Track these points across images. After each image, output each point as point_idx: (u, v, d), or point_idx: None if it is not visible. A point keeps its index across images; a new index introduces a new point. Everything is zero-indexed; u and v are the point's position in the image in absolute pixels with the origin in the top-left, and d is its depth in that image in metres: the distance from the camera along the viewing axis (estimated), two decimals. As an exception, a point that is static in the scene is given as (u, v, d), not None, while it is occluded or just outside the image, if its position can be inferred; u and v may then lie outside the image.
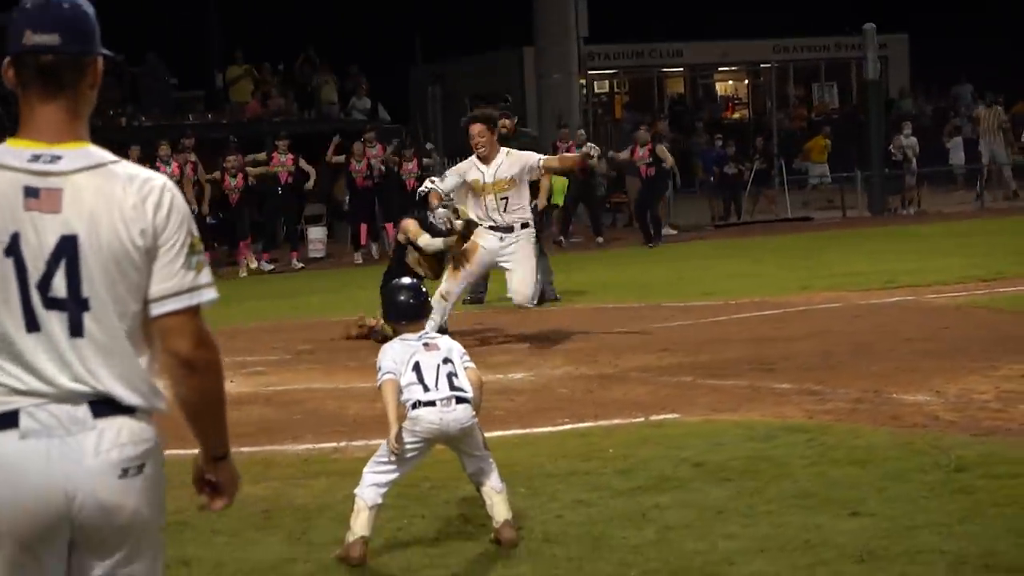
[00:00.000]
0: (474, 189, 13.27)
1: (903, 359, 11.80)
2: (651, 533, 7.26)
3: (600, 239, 28.13)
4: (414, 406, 7.12)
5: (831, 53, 50.01)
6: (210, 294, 3.74)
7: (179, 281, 3.68)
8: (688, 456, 8.73)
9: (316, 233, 29.22)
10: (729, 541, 7.06)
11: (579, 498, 7.96)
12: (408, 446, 7.12)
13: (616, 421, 9.94)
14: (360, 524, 7.08)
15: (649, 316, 15.67)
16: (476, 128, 13.26)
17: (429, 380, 7.13)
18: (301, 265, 26.64)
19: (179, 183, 25.28)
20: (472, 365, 7.36)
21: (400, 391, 7.10)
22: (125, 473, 3.60)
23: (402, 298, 7.51)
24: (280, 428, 10.28)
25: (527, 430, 9.75)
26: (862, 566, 6.59)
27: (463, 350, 7.40)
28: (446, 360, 7.23)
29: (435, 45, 45.88)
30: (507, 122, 15.76)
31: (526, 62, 43.98)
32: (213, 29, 39.82)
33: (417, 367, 7.17)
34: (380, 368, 7.20)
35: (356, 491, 7.17)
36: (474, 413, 7.22)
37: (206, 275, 3.74)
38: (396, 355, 7.21)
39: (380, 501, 7.15)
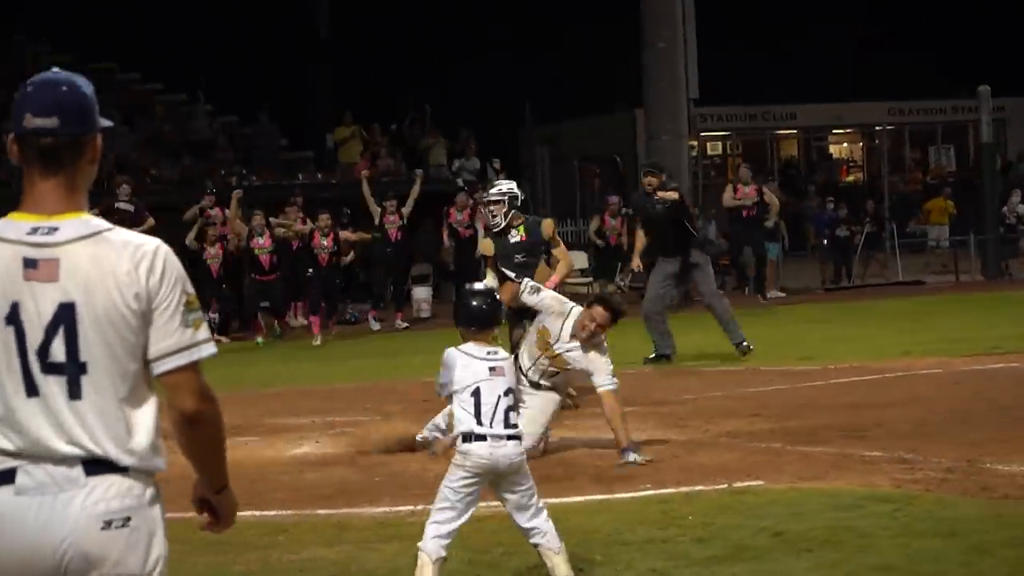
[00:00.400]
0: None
1: (1000, 427, 11.49)
2: (725, 606, 7.09)
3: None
4: (466, 439, 7.01)
5: (947, 116, 49.34)
6: (209, 349, 3.87)
7: (178, 339, 3.81)
8: (768, 525, 8.53)
9: (421, 293, 29.18)
10: (808, 614, 6.87)
11: (654, 567, 7.78)
12: (459, 483, 7.01)
13: (699, 488, 9.75)
14: None
15: (747, 380, 15.46)
16: None
17: (486, 413, 7.01)
18: (405, 325, 26.54)
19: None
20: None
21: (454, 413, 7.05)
22: (108, 525, 3.70)
23: (475, 303, 7.38)
24: (359, 490, 10.17)
25: (607, 496, 9.58)
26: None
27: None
28: (508, 392, 7.10)
29: (546, 106, 45.88)
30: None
31: (638, 123, 43.78)
32: (323, 90, 40.21)
33: (477, 394, 7.05)
34: (442, 382, 7.13)
35: (419, 545, 7.09)
36: (522, 451, 7.09)
37: (204, 331, 3.88)
38: (458, 375, 7.09)
39: (444, 554, 7.05)
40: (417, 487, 10.06)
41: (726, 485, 9.75)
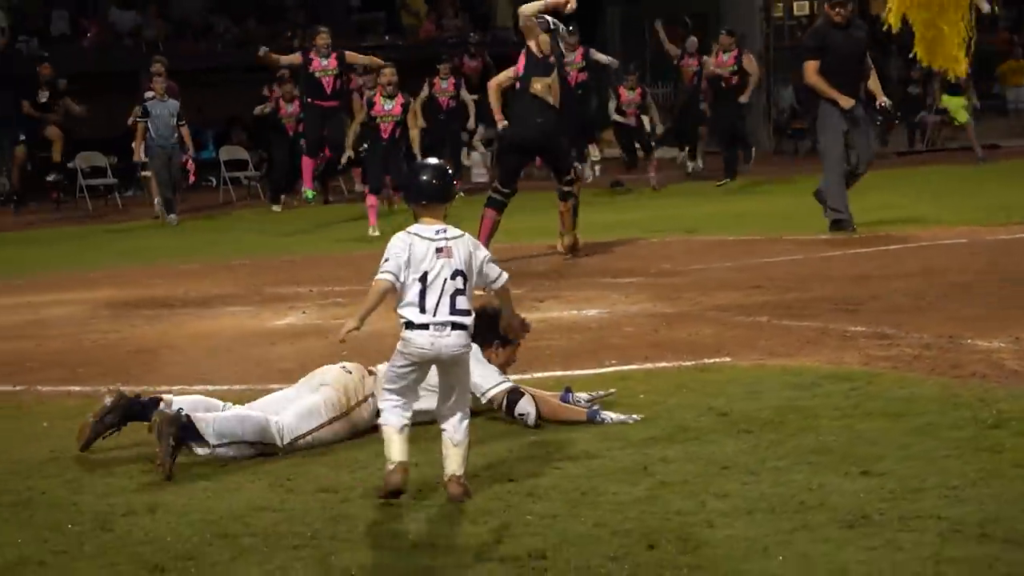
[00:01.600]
0: None
1: (1000, 301, 11.10)
2: (642, 490, 6.82)
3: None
4: (407, 326, 6.78)
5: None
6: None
7: None
8: (718, 405, 8.25)
9: (477, 158, 28.83)
10: (720, 500, 6.60)
11: (587, 448, 7.54)
12: (400, 370, 6.81)
13: (663, 364, 9.48)
14: (395, 451, 6.80)
15: (763, 250, 15.09)
16: None
17: (430, 301, 6.74)
18: (460, 192, 26.03)
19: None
20: (497, 277, 7.04)
21: (396, 296, 6.78)
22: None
23: (424, 177, 7.06)
24: (320, 362, 9.93)
25: (566, 372, 9.33)
26: (848, 531, 6.09)
27: (486, 257, 7.00)
28: (456, 274, 6.83)
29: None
30: None
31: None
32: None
33: (423, 279, 6.78)
34: (384, 261, 6.84)
35: (379, 421, 6.91)
36: (467, 342, 6.85)
37: None
38: (403, 256, 6.82)
39: (406, 422, 6.85)
40: (380, 360, 9.81)
41: (692, 363, 9.47)
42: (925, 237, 15.40)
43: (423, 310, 6.76)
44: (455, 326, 6.78)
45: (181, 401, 7.83)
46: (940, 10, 11.13)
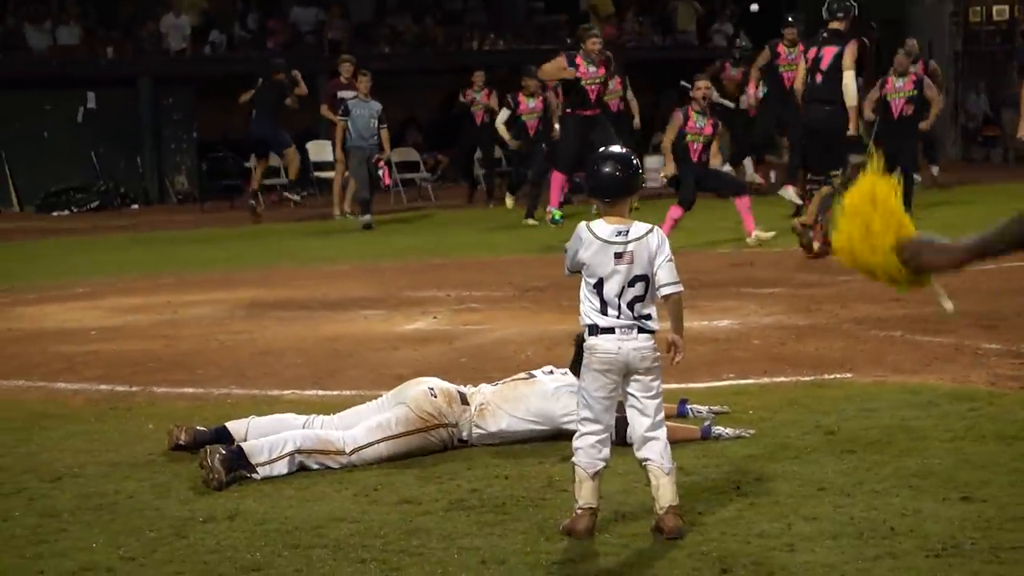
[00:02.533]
0: None
1: None
2: (731, 510, 6.62)
3: None
4: (591, 331, 6.48)
5: None
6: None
7: None
8: (828, 423, 7.99)
9: (652, 163, 28.56)
10: (807, 523, 6.36)
11: (684, 464, 7.28)
12: (594, 391, 6.39)
13: (780, 379, 9.21)
14: (585, 494, 6.40)
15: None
16: None
17: (611, 305, 6.35)
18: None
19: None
20: (667, 284, 6.38)
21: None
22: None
23: (606, 169, 6.47)
24: (439, 370, 9.82)
25: (683, 384, 9.09)
26: (933, 560, 5.83)
27: (667, 258, 6.39)
28: (636, 280, 6.39)
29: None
30: None
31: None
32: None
33: (599, 285, 6.40)
34: (568, 264, 6.49)
35: (573, 460, 6.46)
36: (654, 346, 6.40)
37: None
38: (582, 256, 6.40)
39: (601, 466, 6.41)
40: (496, 371, 9.63)
41: (811, 378, 9.19)
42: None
43: (605, 313, 6.49)
44: (641, 329, 6.43)
45: (261, 421, 7.79)
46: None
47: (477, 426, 7.91)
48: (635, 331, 6.37)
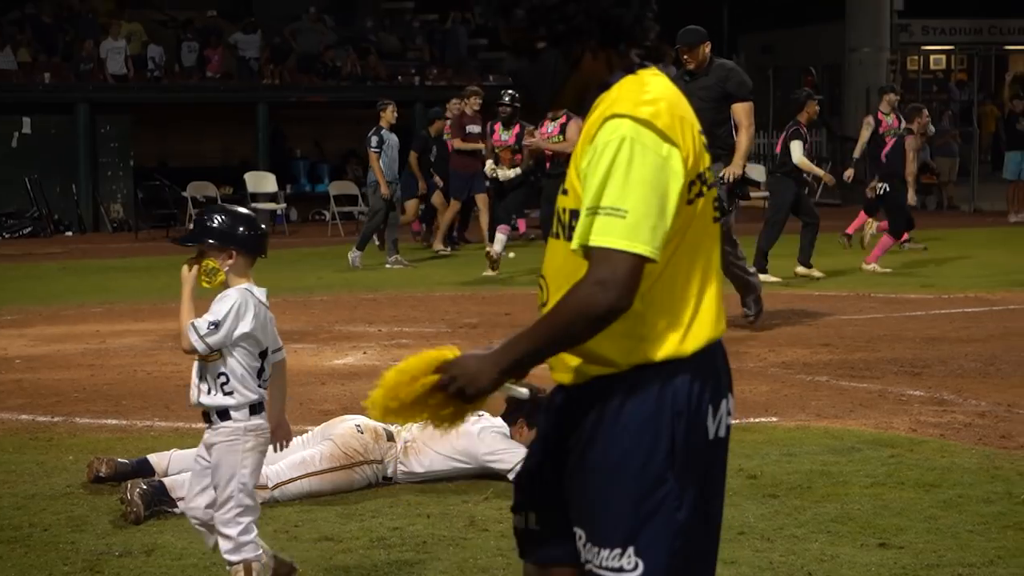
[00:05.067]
0: None
1: (1073, 371, 10.74)
2: (651, 552, 6.62)
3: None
4: None
5: None
6: None
7: None
8: (750, 467, 8.02)
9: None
10: (727, 568, 6.34)
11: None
12: None
13: (706, 423, 9.23)
14: None
15: (844, 307, 14.76)
16: None
17: None
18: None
19: None
20: None
21: None
22: None
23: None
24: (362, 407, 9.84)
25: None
26: (849, 609, 5.86)
27: None
28: None
29: (755, 15, 44.67)
30: None
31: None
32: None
33: None
34: None
35: None
36: None
37: None
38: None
39: None
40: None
41: (736, 422, 9.19)
42: (1017, 301, 14.97)
43: None
44: None
45: (183, 453, 7.73)
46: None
47: (402, 463, 7.91)
48: None
